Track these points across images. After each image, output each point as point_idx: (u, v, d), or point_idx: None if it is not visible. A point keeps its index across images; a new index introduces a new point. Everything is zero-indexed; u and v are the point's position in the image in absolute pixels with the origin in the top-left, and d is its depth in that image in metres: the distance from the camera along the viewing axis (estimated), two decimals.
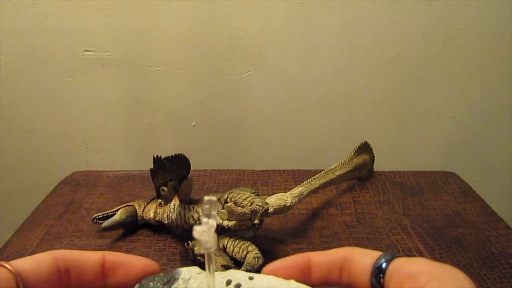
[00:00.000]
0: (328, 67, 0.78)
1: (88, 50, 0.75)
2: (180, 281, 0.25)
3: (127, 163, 0.83)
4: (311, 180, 0.52)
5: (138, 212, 0.50)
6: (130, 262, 0.24)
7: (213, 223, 0.20)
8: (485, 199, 0.60)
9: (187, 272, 0.25)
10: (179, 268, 0.26)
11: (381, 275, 0.21)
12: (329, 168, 0.56)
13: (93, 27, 0.73)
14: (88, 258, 0.23)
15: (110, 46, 0.75)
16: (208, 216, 0.20)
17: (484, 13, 0.74)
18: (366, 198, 0.60)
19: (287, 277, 0.24)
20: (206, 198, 0.20)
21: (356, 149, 0.61)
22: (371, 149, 0.64)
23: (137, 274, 0.25)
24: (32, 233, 0.51)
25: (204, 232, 0.20)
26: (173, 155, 0.42)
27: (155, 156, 0.40)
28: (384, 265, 0.21)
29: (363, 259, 0.23)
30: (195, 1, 0.71)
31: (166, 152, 0.42)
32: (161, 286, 0.25)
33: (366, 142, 0.63)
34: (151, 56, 0.76)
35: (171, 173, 0.42)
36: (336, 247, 0.24)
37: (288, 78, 0.78)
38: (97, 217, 0.50)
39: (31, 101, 0.78)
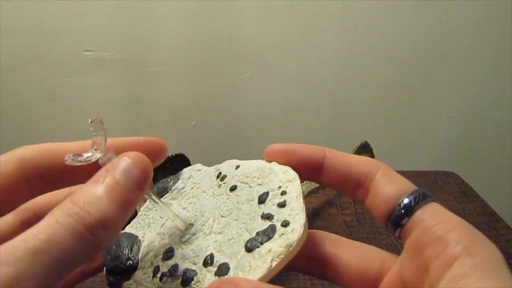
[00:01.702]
0: (328, 67, 0.78)
1: (88, 50, 0.75)
2: (179, 181, 0.26)
3: None
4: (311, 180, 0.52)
5: (137, 210, 0.50)
6: (129, 144, 0.21)
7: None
8: (485, 199, 0.60)
9: (188, 171, 0.26)
10: (184, 169, 0.27)
11: (402, 219, 0.18)
12: None
13: (93, 27, 0.73)
14: (64, 150, 0.20)
15: (110, 46, 0.75)
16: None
17: (484, 13, 0.73)
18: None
19: (287, 164, 0.22)
20: (90, 120, 0.19)
21: (356, 149, 0.61)
22: (371, 149, 0.64)
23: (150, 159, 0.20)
24: None
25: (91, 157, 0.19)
26: (173, 155, 0.42)
27: None
28: (411, 204, 0.18)
29: (388, 186, 0.19)
30: (195, 1, 0.71)
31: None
32: (162, 190, 0.26)
33: (366, 142, 0.63)
34: (151, 56, 0.75)
35: (171, 173, 0.42)
36: None
37: (288, 78, 0.78)
38: None
39: (31, 101, 0.78)
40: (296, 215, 0.19)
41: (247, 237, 0.20)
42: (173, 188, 0.26)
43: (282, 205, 0.20)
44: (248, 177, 0.23)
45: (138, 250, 0.23)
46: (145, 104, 0.80)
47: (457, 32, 0.75)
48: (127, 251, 0.23)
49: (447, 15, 0.74)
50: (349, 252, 0.21)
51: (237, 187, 0.23)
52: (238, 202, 0.22)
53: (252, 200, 0.21)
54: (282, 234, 0.19)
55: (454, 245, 0.16)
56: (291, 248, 0.18)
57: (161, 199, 0.25)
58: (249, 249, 0.19)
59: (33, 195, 0.19)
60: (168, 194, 0.26)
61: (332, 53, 0.76)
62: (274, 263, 0.18)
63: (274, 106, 0.81)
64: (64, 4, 0.71)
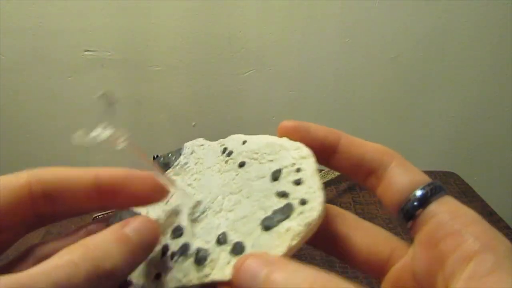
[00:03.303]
0: (328, 67, 0.78)
1: (88, 50, 0.75)
2: (182, 157, 0.25)
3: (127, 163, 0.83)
4: None
5: None
6: (132, 181, 0.21)
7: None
8: (485, 199, 0.60)
9: (190, 146, 0.25)
10: (185, 144, 0.26)
11: (416, 211, 0.18)
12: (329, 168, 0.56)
13: (93, 27, 0.73)
14: (76, 177, 0.20)
15: (110, 46, 0.75)
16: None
17: (484, 13, 0.73)
18: (366, 198, 0.60)
19: (299, 140, 0.22)
20: (97, 94, 0.19)
21: None
22: None
23: (145, 197, 0.21)
24: (32, 233, 0.51)
25: (101, 135, 0.19)
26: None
27: (155, 156, 0.40)
28: (426, 196, 0.18)
29: (403, 176, 0.19)
30: (195, 1, 0.71)
31: (166, 152, 0.42)
32: (164, 165, 0.25)
33: None
34: (151, 56, 0.75)
35: None
36: None
37: (288, 78, 0.78)
38: (97, 217, 0.50)
39: (31, 101, 0.78)
40: (313, 193, 0.19)
41: (262, 215, 0.19)
42: (176, 163, 0.25)
43: (297, 182, 0.20)
44: (257, 153, 0.22)
45: None
46: (145, 104, 0.80)
47: (457, 32, 0.75)
48: None
49: (447, 15, 0.74)
50: (360, 234, 0.21)
51: (246, 164, 0.22)
52: (248, 179, 0.21)
53: (264, 177, 0.21)
54: (301, 212, 0.18)
55: (472, 240, 0.15)
56: (310, 227, 0.18)
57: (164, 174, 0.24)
58: (266, 227, 0.19)
59: (37, 217, 0.20)
60: (170, 169, 0.25)
61: (332, 53, 0.76)
62: (294, 242, 0.18)
63: (273, 106, 0.81)
64: (64, 4, 0.71)
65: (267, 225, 0.19)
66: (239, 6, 0.72)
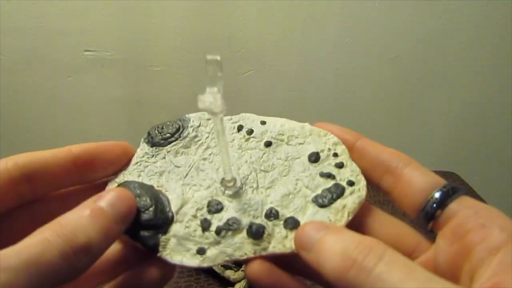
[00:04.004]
0: (328, 67, 0.78)
1: (88, 50, 0.75)
2: (189, 129, 0.24)
3: None
4: None
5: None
6: (106, 149, 0.22)
7: (217, 88, 0.19)
8: (485, 199, 0.60)
9: (196, 119, 0.25)
10: (186, 115, 0.25)
11: (436, 212, 0.18)
12: None
13: (93, 27, 0.73)
14: (51, 157, 0.20)
15: (110, 46, 0.75)
16: (212, 79, 0.19)
17: (484, 13, 0.73)
18: (366, 198, 0.60)
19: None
20: (208, 57, 0.19)
21: None
22: None
23: (119, 160, 0.22)
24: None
25: (211, 103, 0.19)
26: None
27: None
28: (446, 196, 0.18)
29: (422, 177, 0.20)
30: (195, 1, 0.71)
31: None
32: (169, 136, 0.24)
33: None
34: (151, 56, 0.75)
35: None
36: None
37: (288, 78, 0.78)
38: None
39: (31, 101, 0.78)
40: (357, 175, 0.22)
41: (309, 193, 0.21)
42: (184, 135, 0.24)
43: (339, 166, 0.22)
44: (283, 134, 0.24)
45: (168, 201, 0.21)
46: (145, 104, 0.80)
47: (457, 32, 0.75)
48: (152, 202, 0.21)
49: (447, 15, 0.74)
50: (386, 225, 0.22)
51: (273, 143, 0.23)
52: (279, 159, 0.23)
53: (298, 158, 0.23)
54: (352, 192, 0.21)
55: (498, 232, 0.16)
56: (360, 205, 0.21)
57: (170, 146, 0.24)
58: (322, 204, 0.21)
59: (21, 199, 0.20)
60: (178, 141, 0.24)
61: (332, 53, 0.76)
62: (350, 217, 0.20)
63: (273, 106, 0.81)
64: (64, 4, 0.71)
65: (322, 202, 0.21)
66: (239, 6, 0.72)
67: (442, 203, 0.19)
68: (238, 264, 0.42)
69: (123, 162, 0.22)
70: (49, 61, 0.75)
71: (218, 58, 0.19)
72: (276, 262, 0.20)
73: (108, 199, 0.19)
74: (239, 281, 0.41)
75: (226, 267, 0.41)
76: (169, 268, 0.20)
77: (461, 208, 0.18)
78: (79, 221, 0.17)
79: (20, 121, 0.80)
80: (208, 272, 0.43)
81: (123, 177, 0.23)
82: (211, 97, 0.19)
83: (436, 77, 0.79)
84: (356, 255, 0.16)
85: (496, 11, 0.73)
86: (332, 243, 0.17)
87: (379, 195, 0.60)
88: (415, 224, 0.21)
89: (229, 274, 0.41)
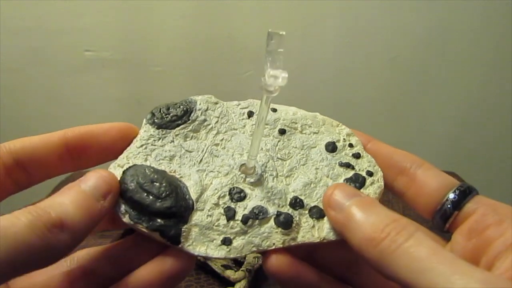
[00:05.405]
0: (328, 67, 0.78)
1: (88, 50, 0.75)
2: (198, 112, 0.23)
3: None
4: None
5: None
6: (100, 131, 0.20)
7: (278, 63, 0.18)
8: None
9: (203, 102, 0.24)
10: (191, 97, 0.24)
11: (452, 213, 0.19)
12: None
13: (93, 27, 0.73)
14: (43, 142, 0.20)
15: (110, 46, 0.75)
16: (272, 54, 0.18)
17: (484, 13, 0.73)
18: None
19: None
20: (271, 30, 0.18)
21: None
22: None
23: (114, 143, 0.21)
24: None
25: (276, 79, 0.19)
26: None
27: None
28: (462, 196, 0.19)
29: (436, 178, 0.20)
30: (195, 1, 0.71)
31: None
32: (177, 118, 0.23)
33: None
34: (151, 56, 0.75)
35: None
36: None
37: (288, 79, 0.78)
38: None
39: (31, 101, 0.78)
40: (374, 166, 0.22)
41: (331, 182, 0.21)
42: (193, 118, 0.23)
43: (357, 156, 0.22)
44: (296, 123, 0.24)
45: (186, 188, 0.20)
46: (145, 104, 0.80)
47: (457, 32, 0.75)
48: (172, 188, 0.19)
49: (447, 15, 0.74)
50: None
51: (287, 131, 0.23)
52: (295, 147, 0.23)
53: (314, 147, 0.23)
54: (372, 182, 0.22)
55: None
56: (380, 195, 0.21)
57: (178, 129, 0.22)
58: None
59: (18, 186, 0.20)
60: (186, 124, 0.22)
61: (332, 53, 0.76)
62: None
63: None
64: (64, 4, 0.71)
65: None
66: (239, 6, 0.72)
67: (459, 203, 0.19)
68: (238, 264, 0.42)
69: (119, 146, 0.21)
70: (49, 61, 0.75)
71: (283, 33, 0.18)
72: (293, 254, 0.19)
73: (84, 178, 0.18)
74: (239, 281, 0.41)
75: (226, 267, 0.41)
76: (190, 260, 0.19)
77: (479, 206, 0.19)
78: (52, 198, 0.17)
79: (20, 121, 0.80)
80: (208, 272, 0.43)
81: (127, 160, 0.21)
82: (280, 78, 0.19)
83: (436, 77, 0.79)
84: (390, 230, 0.16)
85: (496, 11, 0.73)
86: (366, 214, 0.17)
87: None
88: (431, 225, 0.21)
89: (229, 274, 0.41)
